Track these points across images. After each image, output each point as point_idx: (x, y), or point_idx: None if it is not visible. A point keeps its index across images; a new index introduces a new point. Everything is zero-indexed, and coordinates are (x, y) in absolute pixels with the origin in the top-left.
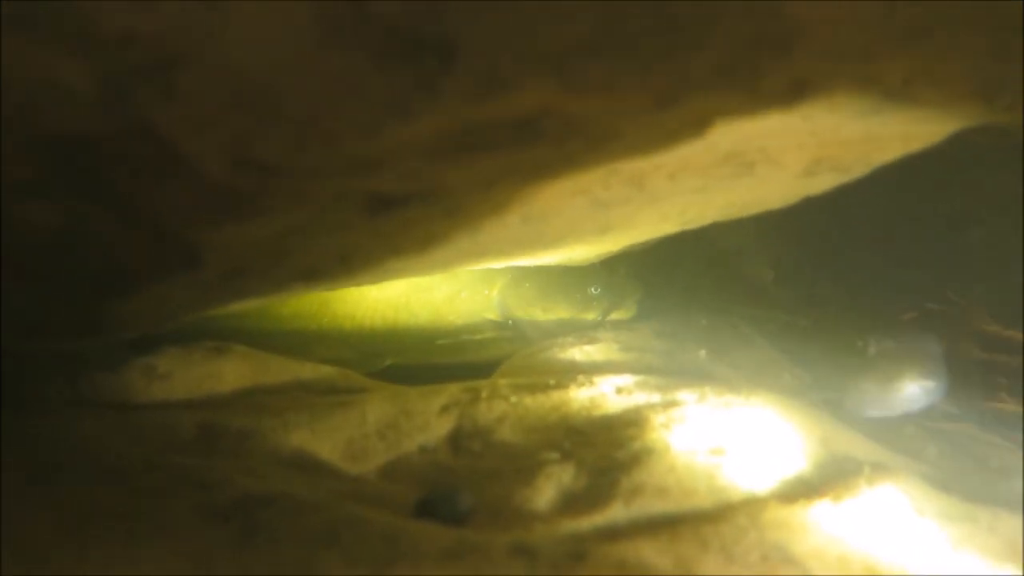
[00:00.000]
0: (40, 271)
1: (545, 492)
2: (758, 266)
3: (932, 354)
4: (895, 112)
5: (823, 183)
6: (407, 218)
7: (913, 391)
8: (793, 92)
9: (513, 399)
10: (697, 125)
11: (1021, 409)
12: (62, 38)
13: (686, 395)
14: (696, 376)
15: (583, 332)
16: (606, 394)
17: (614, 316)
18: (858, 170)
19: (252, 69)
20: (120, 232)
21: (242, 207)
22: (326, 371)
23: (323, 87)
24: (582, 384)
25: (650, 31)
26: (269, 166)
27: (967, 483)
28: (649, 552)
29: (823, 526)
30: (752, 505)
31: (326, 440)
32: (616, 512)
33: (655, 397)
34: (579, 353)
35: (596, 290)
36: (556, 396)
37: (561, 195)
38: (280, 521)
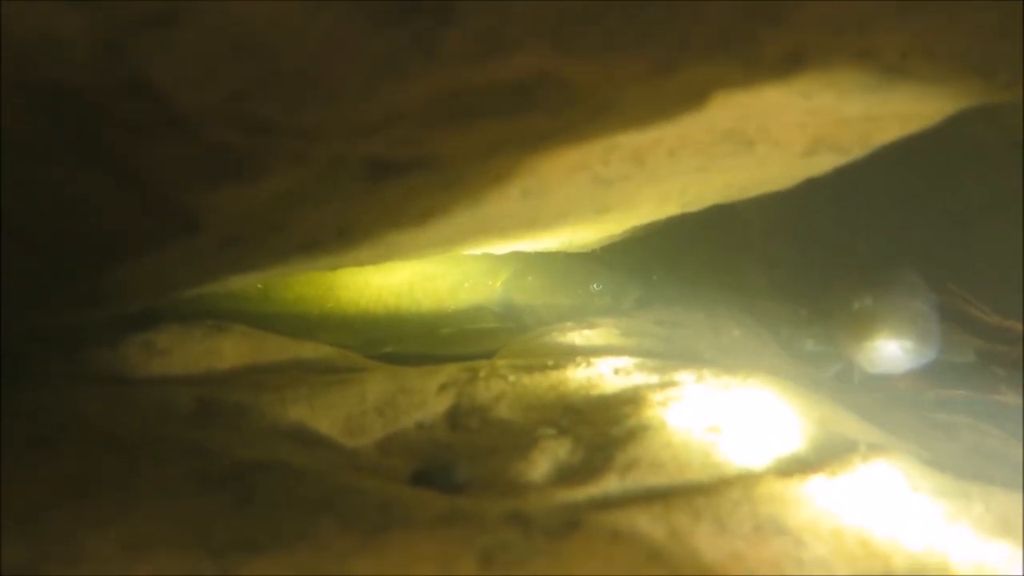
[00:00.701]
0: (37, 240)
1: (540, 465)
2: (756, 265)
3: (922, 313)
4: (894, 89)
5: (823, 164)
6: (407, 188)
7: (899, 349)
8: (791, 63)
9: (511, 378)
10: (696, 97)
11: (1021, 400)
12: None
13: (684, 376)
14: (694, 360)
15: (583, 318)
16: (604, 375)
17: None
18: (857, 151)
19: (251, 24)
20: (117, 196)
21: (240, 168)
22: (325, 351)
23: (321, 45)
24: (580, 365)
25: None
26: (267, 125)
27: (961, 465)
28: (643, 521)
29: (817, 500)
30: (746, 479)
31: (324, 415)
32: (610, 484)
33: (653, 378)
34: (579, 337)
35: (598, 287)
36: (554, 376)
37: (561, 170)
38: (276, 487)
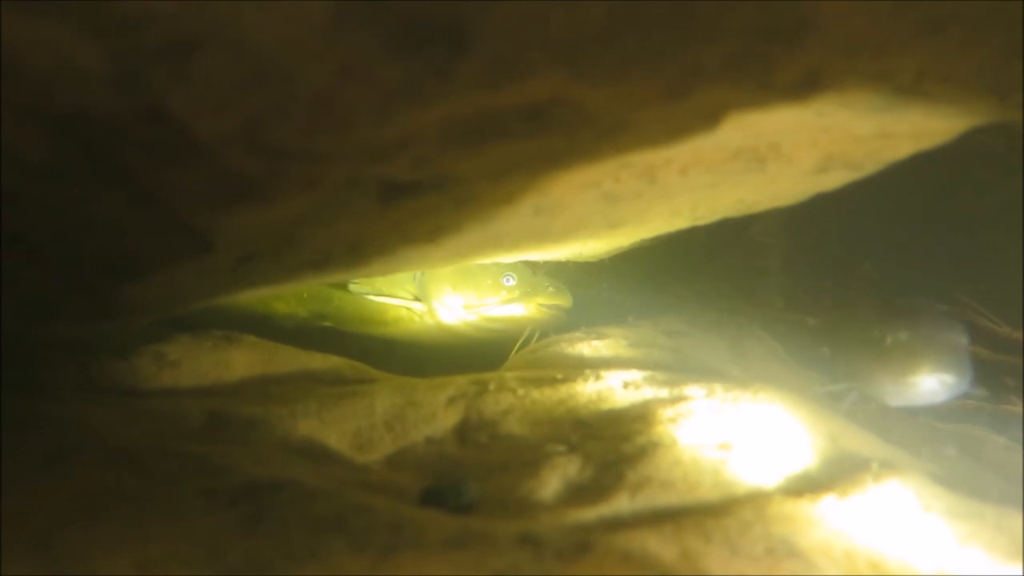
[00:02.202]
0: (53, 255)
1: (550, 483)
2: (768, 279)
3: (952, 345)
4: (907, 108)
5: (835, 180)
6: (418, 207)
7: (930, 383)
8: (805, 85)
9: (520, 392)
10: (709, 118)
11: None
12: (78, 18)
13: (694, 390)
14: (704, 373)
15: (592, 328)
16: (613, 388)
17: (532, 314)
18: (870, 167)
19: (267, 51)
20: (132, 216)
21: (254, 192)
22: (334, 361)
23: (336, 71)
24: (589, 378)
25: (663, 21)
26: (281, 150)
27: (973, 482)
28: (654, 543)
29: (829, 521)
30: (757, 499)
31: (334, 429)
32: (621, 504)
33: (663, 392)
34: (587, 348)
35: (510, 280)
36: (563, 390)
37: (573, 187)
38: (287, 507)
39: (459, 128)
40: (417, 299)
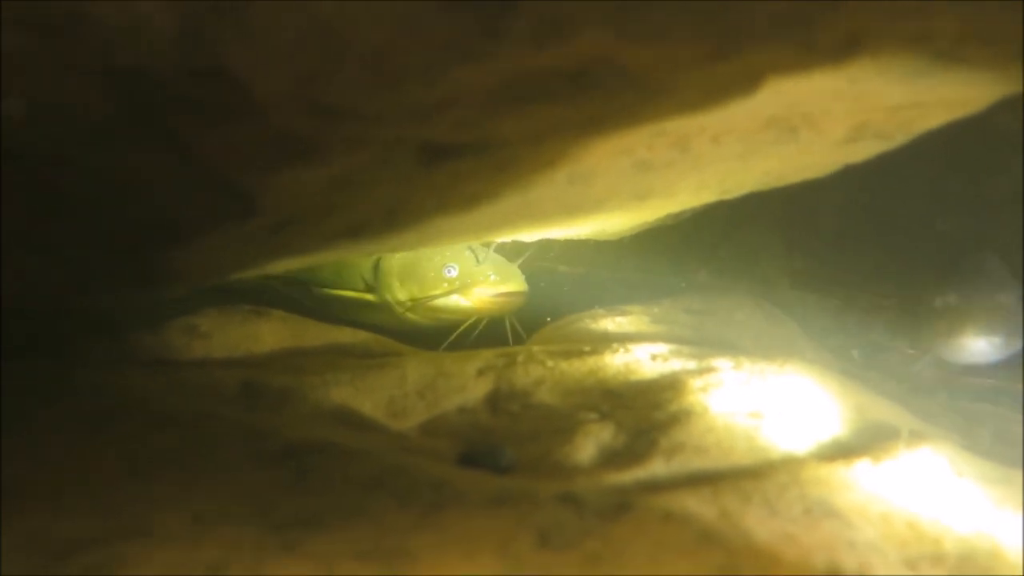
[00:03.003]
0: (97, 221)
1: (585, 449)
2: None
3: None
4: (942, 74)
5: (864, 151)
6: (457, 171)
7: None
8: (846, 47)
9: (549, 363)
10: (749, 81)
11: None
12: None
13: (721, 363)
14: (728, 347)
15: (613, 305)
16: (641, 360)
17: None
18: (900, 137)
19: (323, 7)
20: (178, 179)
21: (302, 152)
22: (362, 336)
23: (389, 28)
24: (617, 351)
25: None
26: (333, 109)
27: (1003, 453)
28: (692, 503)
29: (864, 484)
30: (792, 463)
31: (367, 398)
32: (657, 467)
33: (691, 364)
34: (611, 324)
35: (451, 271)
36: (592, 361)
37: (607, 155)
38: (331, 466)
39: (504, 89)
40: (371, 289)
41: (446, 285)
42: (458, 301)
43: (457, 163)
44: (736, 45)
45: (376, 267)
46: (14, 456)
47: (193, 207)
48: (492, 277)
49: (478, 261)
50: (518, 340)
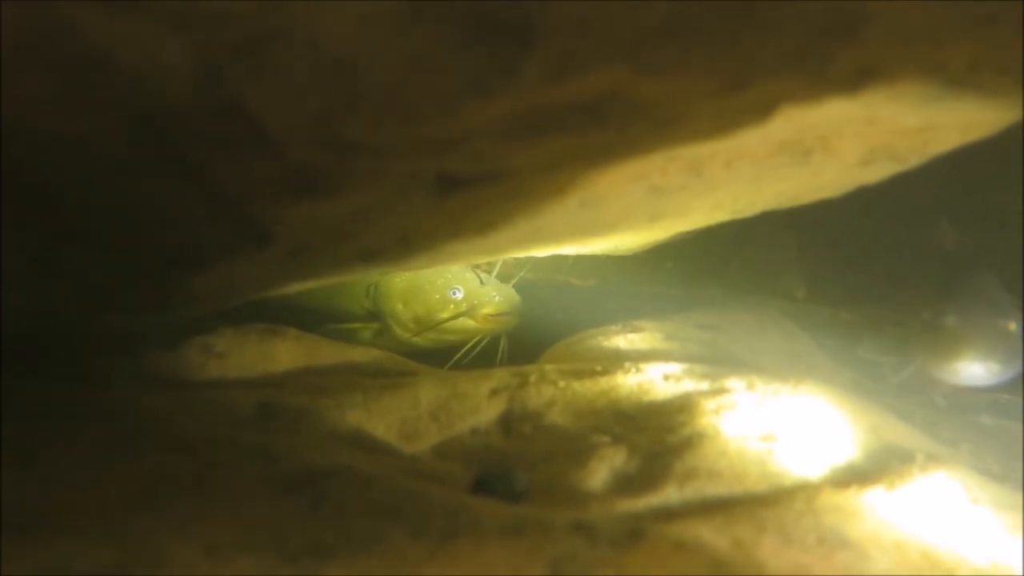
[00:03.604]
0: (119, 248)
1: (598, 473)
2: (795, 275)
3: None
4: (956, 100)
5: (878, 173)
6: (471, 200)
7: (984, 370)
8: (859, 78)
9: (561, 384)
10: (762, 111)
11: None
12: (165, 15)
13: (734, 383)
14: (741, 366)
15: (626, 322)
16: (654, 380)
17: (478, 325)
18: (914, 160)
19: (339, 47)
20: (196, 210)
21: (318, 186)
22: (375, 354)
23: (406, 65)
24: (629, 371)
25: (723, 14)
26: (348, 144)
27: (1018, 475)
28: (705, 532)
29: (878, 512)
30: (807, 490)
31: (381, 420)
32: (670, 494)
33: (703, 384)
34: (623, 341)
35: (457, 293)
36: (604, 382)
37: (620, 180)
38: (346, 493)
39: (519, 122)
40: (372, 314)
41: (453, 307)
42: (464, 322)
43: (471, 193)
44: (749, 78)
45: (374, 289)
46: (28, 482)
47: (212, 236)
48: (496, 298)
49: (481, 283)
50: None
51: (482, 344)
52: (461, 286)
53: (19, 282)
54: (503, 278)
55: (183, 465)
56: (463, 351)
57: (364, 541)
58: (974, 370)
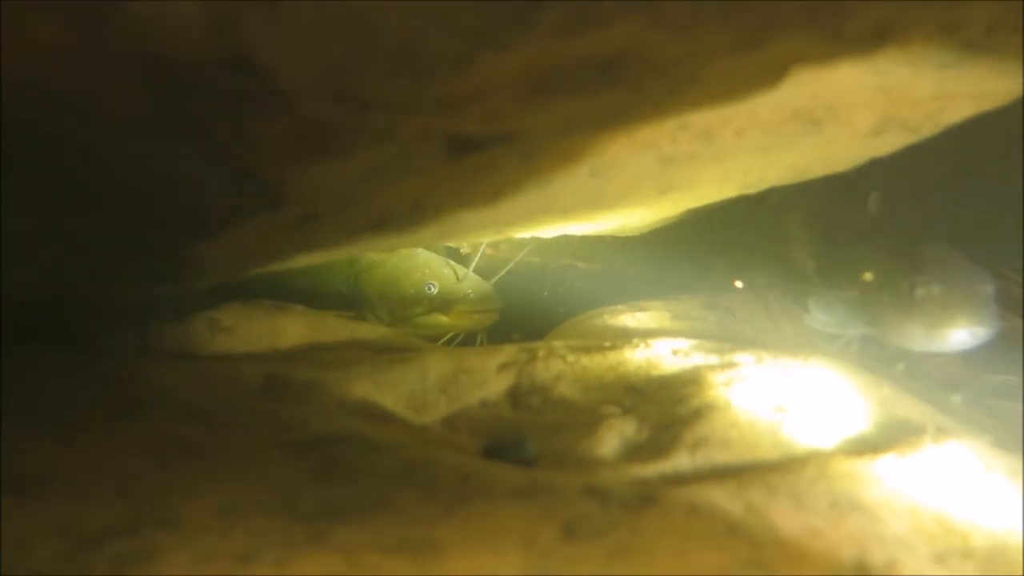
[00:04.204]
0: (125, 216)
1: (608, 442)
2: (802, 251)
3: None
4: (970, 65)
5: (890, 143)
6: (482, 165)
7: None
8: (874, 37)
9: (570, 358)
10: (774, 72)
11: None
12: None
13: (743, 358)
14: (749, 343)
15: (634, 302)
16: (662, 356)
17: (450, 321)
18: (927, 130)
19: None
20: (205, 173)
21: (329, 144)
22: (380, 331)
23: (420, 18)
24: (638, 346)
25: None
26: (361, 100)
27: None
28: (719, 496)
29: (891, 479)
30: (817, 458)
31: (389, 392)
32: (681, 461)
33: (712, 359)
34: (631, 320)
35: (431, 289)
36: (612, 357)
37: (631, 147)
38: (356, 458)
39: (533, 80)
40: (350, 301)
41: (427, 302)
42: (437, 317)
43: (483, 155)
44: (764, 33)
45: (354, 278)
46: (44, 445)
47: (220, 200)
48: (470, 294)
49: (458, 279)
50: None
51: (458, 339)
52: (437, 281)
53: (26, 251)
54: (502, 262)
55: (194, 430)
56: (441, 342)
57: (376, 503)
58: (953, 335)
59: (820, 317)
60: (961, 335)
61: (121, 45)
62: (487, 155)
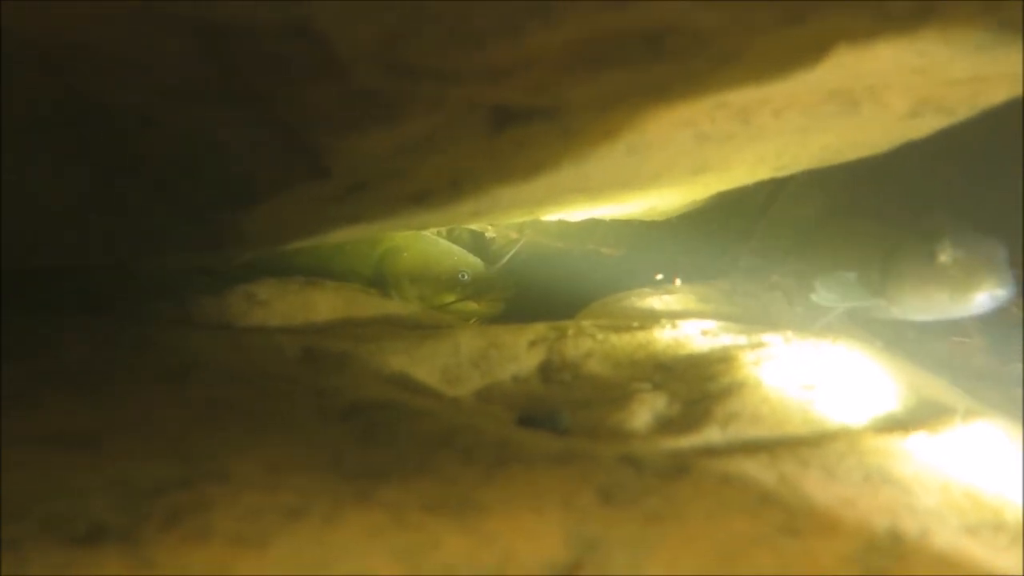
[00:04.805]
0: (175, 183)
1: (640, 416)
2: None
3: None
4: (1007, 47)
5: (926, 126)
6: (522, 139)
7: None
8: (918, 15)
9: (599, 337)
10: (816, 50)
11: None
12: None
13: (772, 338)
14: (776, 325)
15: (659, 284)
16: (691, 335)
17: (478, 308)
18: (963, 112)
19: None
20: (257, 140)
21: (379, 113)
22: (411, 308)
23: None
24: (666, 326)
25: None
26: (413, 68)
27: None
28: (751, 467)
29: (921, 455)
30: (848, 434)
31: (422, 365)
32: (713, 434)
33: (741, 339)
34: (657, 302)
35: (464, 276)
36: (641, 336)
37: (669, 126)
38: (397, 423)
39: (579, 51)
40: (372, 280)
41: (460, 290)
42: (468, 304)
43: (524, 129)
44: (811, 9)
45: (379, 262)
46: (94, 407)
47: (269, 169)
48: (498, 288)
49: (487, 269)
50: None
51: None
52: (468, 269)
53: (77, 217)
54: (526, 246)
55: (239, 393)
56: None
57: (417, 465)
58: (978, 299)
59: (825, 295)
60: (984, 298)
61: (181, 11)
62: (528, 129)
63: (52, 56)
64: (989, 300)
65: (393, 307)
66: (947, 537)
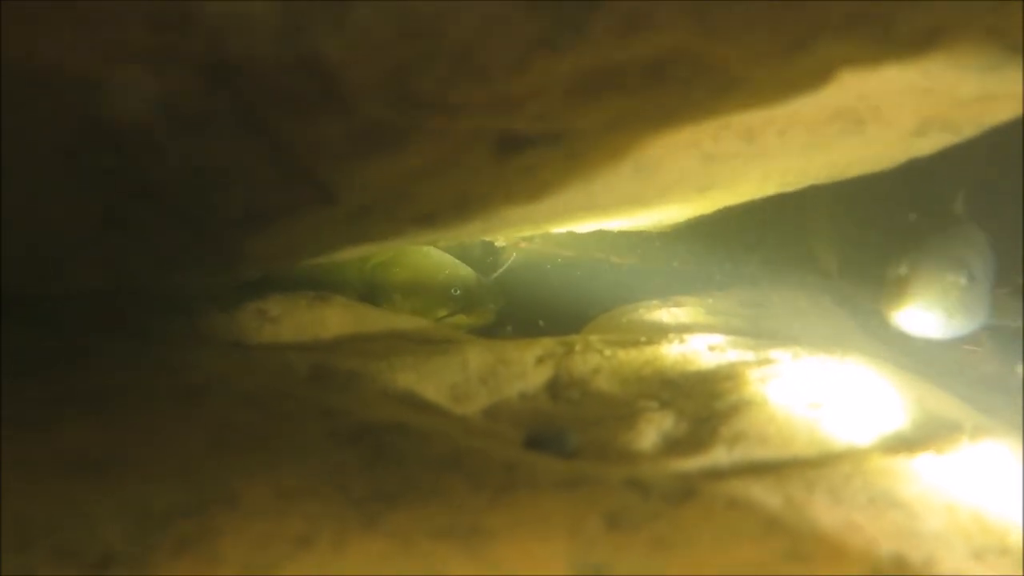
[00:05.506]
0: (186, 208)
1: (647, 435)
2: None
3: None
4: (1014, 68)
5: (932, 144)
6: (529, 163)
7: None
8: (922, 41)
9: (607, 352)
10: (820, 75)
11: None
12: None
13: (780, 354)
14: (784, 340)
15: (668, 296)
16: (699, 351)
17: (468, 320)
18: (969, 131)
19: (422, 2)
20: (265, 169)
21: (386, 144)
22: (420, 323)
23: (479, 23)
24: (674, 341)
25: None
26: (421, 101)
27: None
28: (758, 491)
29: (927, 477)
30: (854, 454)
31: (430, 383)
32: (719, 455)
33: (748, 355)
34: (665, 315)
35: (456, 292)
36: (649, 351)
37: (673, 146)
38: (405, 446)
39: (583, 81)
40: (360, 289)
41: (451, 305)
42: (458, 318)
43: (531, 153)
44: (812, 37)
45: (370, 274)
46: (107, 428)
47: (276, 196)
48: (490, 303)
49: (479, 283)
50: None
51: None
52: (460, 282)
53: (91, 241)
54: (535, 255)
55: (249, 417)
56: None
57: (425, 490)
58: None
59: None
60: (907, 319)
61: (195, 46)
62: (535, 153)
63: (68, 89)
64: (923, 323)
65: (400, 322)
66: (953, 563)
